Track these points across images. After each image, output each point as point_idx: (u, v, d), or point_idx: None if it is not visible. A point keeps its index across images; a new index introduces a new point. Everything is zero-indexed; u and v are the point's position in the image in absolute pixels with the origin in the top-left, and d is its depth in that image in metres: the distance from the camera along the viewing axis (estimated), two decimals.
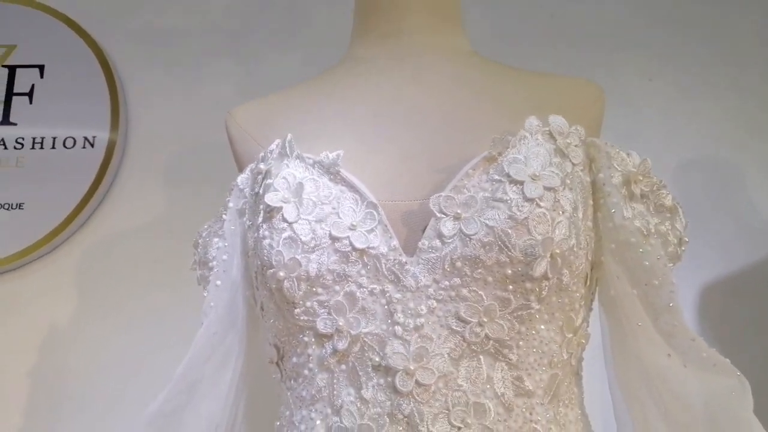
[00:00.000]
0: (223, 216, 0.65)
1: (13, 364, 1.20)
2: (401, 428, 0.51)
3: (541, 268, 0.51)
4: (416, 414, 0.51)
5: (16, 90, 1.31)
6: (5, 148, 1.28)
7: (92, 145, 1.28)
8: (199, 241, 0.69)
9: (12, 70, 1.33)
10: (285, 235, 0.54)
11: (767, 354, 1.26)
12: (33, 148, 1.28)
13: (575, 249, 0.53)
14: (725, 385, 0.56)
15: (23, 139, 1.29)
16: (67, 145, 1.28)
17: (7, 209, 1.25)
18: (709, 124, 1.37)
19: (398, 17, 0.70)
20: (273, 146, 0.60)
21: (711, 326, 1.28)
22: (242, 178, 0.64)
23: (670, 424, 0.58)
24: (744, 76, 1.38)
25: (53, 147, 1.28)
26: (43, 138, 1.29)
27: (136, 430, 0.62)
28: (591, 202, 0.58)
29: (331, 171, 0.56)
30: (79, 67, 1.32)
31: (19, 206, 1.25)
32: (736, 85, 1.38)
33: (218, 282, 0.62)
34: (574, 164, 0.56)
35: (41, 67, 1.33)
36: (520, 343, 0.53)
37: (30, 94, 1.31)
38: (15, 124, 1.29)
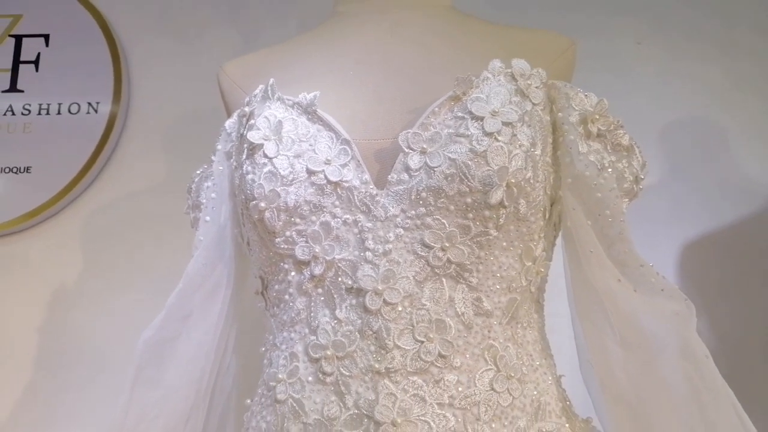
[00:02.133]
0: (213, 158, 0.70)
1: (22, 318, 1.27)
2: (370, 342, 0.56)
3: (497, 196, 0.55)
4: (384, 330, 0.56)
5: (22, 58, 1.36)
6: (13, 114, 1.33)
7: (96, 111, 1.33)
8: (192, 186, 0.74)
9: (18, 39, 1.37)
10: (266, 169, 0.59)
11: (747, 307, 1.30)
12: (39, 114, 1.33)
13: (531, 181, 0.57)
14: (672, 309, 0.61)
15: (30, 105, 1.34)
16: (72, 110, 1.33)
17: (16, 173, 1.31)
18: (697, 86, 1.40)
19: None
20: (257, 90, 0.65)
21: (692, 279, 1.32)
22: (230, 123, 0.69)
23: (622, 344, 0.62)
24: (732, 39, 1.41)
25: (59, 113, 1.33)
26: (49, 104, 1.34)
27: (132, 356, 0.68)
28: (551, 140, 0.62)
29: (308, 111, 0.61)
30: (83, 36, 1.37)
31: (27, 170, 1.31)
32: (724, 48, 1.41)
33: (207, 218, 0.67)
34: (534, 104, 0.60)
35: (46, 37, 1.38)
36: (480, 267, 0.58)
37: (36, 63, 1.36)
38: (22, 91, 1.35)
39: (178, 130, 1.36)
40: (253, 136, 0.60)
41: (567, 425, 0.61)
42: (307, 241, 0.59)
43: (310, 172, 0.58)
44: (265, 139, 0.60)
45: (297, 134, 0.60)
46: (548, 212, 0.63)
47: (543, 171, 0.60)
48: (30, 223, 1.29)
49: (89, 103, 1.34)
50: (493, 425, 0.55)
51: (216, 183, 0.68)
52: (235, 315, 0.72)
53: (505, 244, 0.58)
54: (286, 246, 0.60)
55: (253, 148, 0.60)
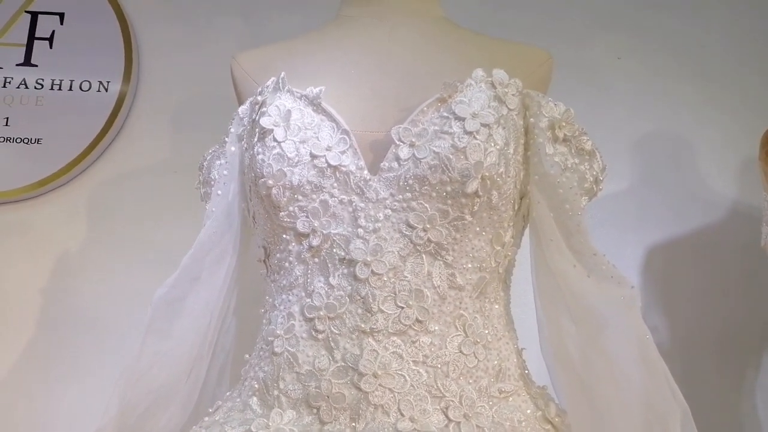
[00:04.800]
0: (225, 139, 0.78)
1: (29, 282, 1.35)
2: (358, 306, 0.65)
3: (472, 186, 0.64)
4: (370, 296, 0.65)
5: (37, 35, 1.43)
6: (26, 87, 1.41)
7: (106, 90, 1.41)
8: (204, 163, 0.83)
9: (34, 15, 1.45)
10: (275, 151, 0.67)
11: (704, 310, 1.41)
12: (52, 88, 1.41)
13: (504, 175, 0.67)
14: (618, 293, 0.70)
15: (43, 80, 1.41)
16: (83, 88, 1.41)
17: (27, 143, 1.38)
18: (670, 102, 1.51)
19: None
20: (269, 82, 0.74)
21: (655, 281, 1.43)
22: (242, 109, 0.78)
23: (574, 320, 0.72)
24: (705, 59, 1.52)
25: (70, 89, 1.41)
26: (61, 80, 1.41)
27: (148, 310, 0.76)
28: (523, 141, 0.71)
29: (314, 103, 0.70)
30: (97, 18, 1.45)
31: (38, 141, 1.38)
32: (698, 67, 1.52)
33: (219, 192, 0.76)
34: (510, 109, 0.69)
35: (61, 15, 1.45)
36: (455, 247, 0.67)
37: (50, 39, 1.43)
38: (36, 66, 1.42)
39: (183, 113, 1.44)
40: (265, 121, 0.69)
41: (524, 388, 0.70)
42: (307, 216, 0.68)
43: (313, 156, 0.67)
44: (275, 125, 0.68)
45: (303, 123, 0.69)
46: (517, 204, 0.72)
47: (514, 168, 0.69)
48: (38, 192, 1.37)
49: (100, 82, 1.41)
50: (460, 381, 0.65)
51: (228, 161, 0.76)
52: (237, 280, 0.81)
53: (478, 228, 0.68)
54: (288, 220, 0.68)
55: (264, 132, 0.69)
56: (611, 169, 0.81)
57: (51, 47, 1.43)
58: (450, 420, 0.63)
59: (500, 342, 0.70)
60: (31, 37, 1.43)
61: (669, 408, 0.68)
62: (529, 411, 0.68)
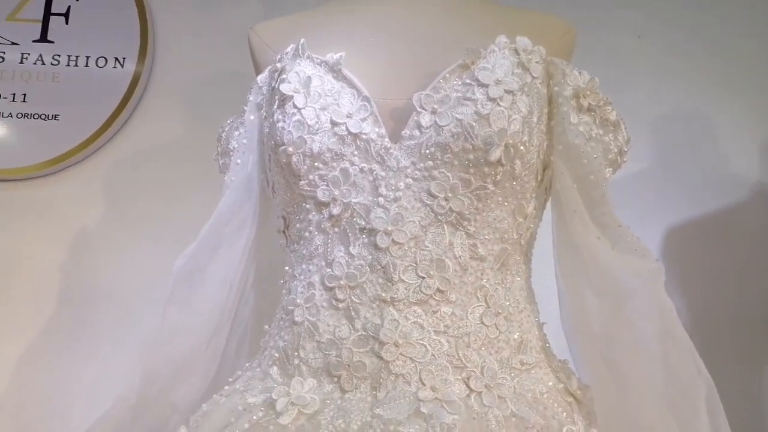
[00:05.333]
0: (245, 108, 0.77)
1: (46, 258, 1.35)
2: (379, 275, 0.65)
3: (496, 154, 0.63)
4: (391, 265, 0.64)
5: (53, 10, 1.43)
6: (43, 63, 1.40)
7: (122, 66, 1.41)
8: (222, 134, 0.82)
9: None
10: (295, 118, 0.66)
11: (722, 291, 1.40)
12: (68, 65, 1.41)
13: (527, 144, 0.65)
14: (644, 265, 0.69)
15: (59, 56, 1.41)
16: (99, 64, 1.41)
17: (45, 119, 1.38)
18: (689, 83, 1.48)
19: None
20: (288, 49, 0.73)
21: (673, 262, 1.41)
22: (261, 77, 0.77)
23: (597, 293, 0.71)
24: (725, 41, 1.49)
25: (86, 65, 1.41)
26: (77, 56, 1.41)
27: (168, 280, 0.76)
28: (546, 110, 0.70)
29: (334, 69, 0.69)
30: None
31: (55, 117, 1.38)
32: (717, 48, 1.49)
33: (239, 160, 0.75)
34: (533, 77, 0.68)
35: None
36: (477, 217, 0.66)
37: (66, 15, 1.43)
38: (52, 42, 1.41)
39: (198, 90, 1.44)
40: (285, 88, 0.68)
41: (545, 361, 0.69)
42: (327, 185, 0.67)
43: (334, 123, 0.66)
44: (295, 92, 0.67)
45: (323, 89, 0.68)
46: (540, 175, 0.71)
47: (537, 137, 0.68)
48: (56, 168, 1.37)
49: (116, 59, 1.41)
50: (481, 352, 0.64)
51: (247, 130, 0.76)
52: (256, 252, 0.80)
53: (500, 199, 0.67)
54: (309, 188, 0.68)
55: (284, 99, 0.68)
56: (630, 149, 0.80)
57: (67, 23, 1.43)
58: (471, 390, 0.62)
59: (522, 314, 0.69)
60: (47, 12, 1.42)
61: (694, 383, 0.68)
62: (551, 383, 0.68)
